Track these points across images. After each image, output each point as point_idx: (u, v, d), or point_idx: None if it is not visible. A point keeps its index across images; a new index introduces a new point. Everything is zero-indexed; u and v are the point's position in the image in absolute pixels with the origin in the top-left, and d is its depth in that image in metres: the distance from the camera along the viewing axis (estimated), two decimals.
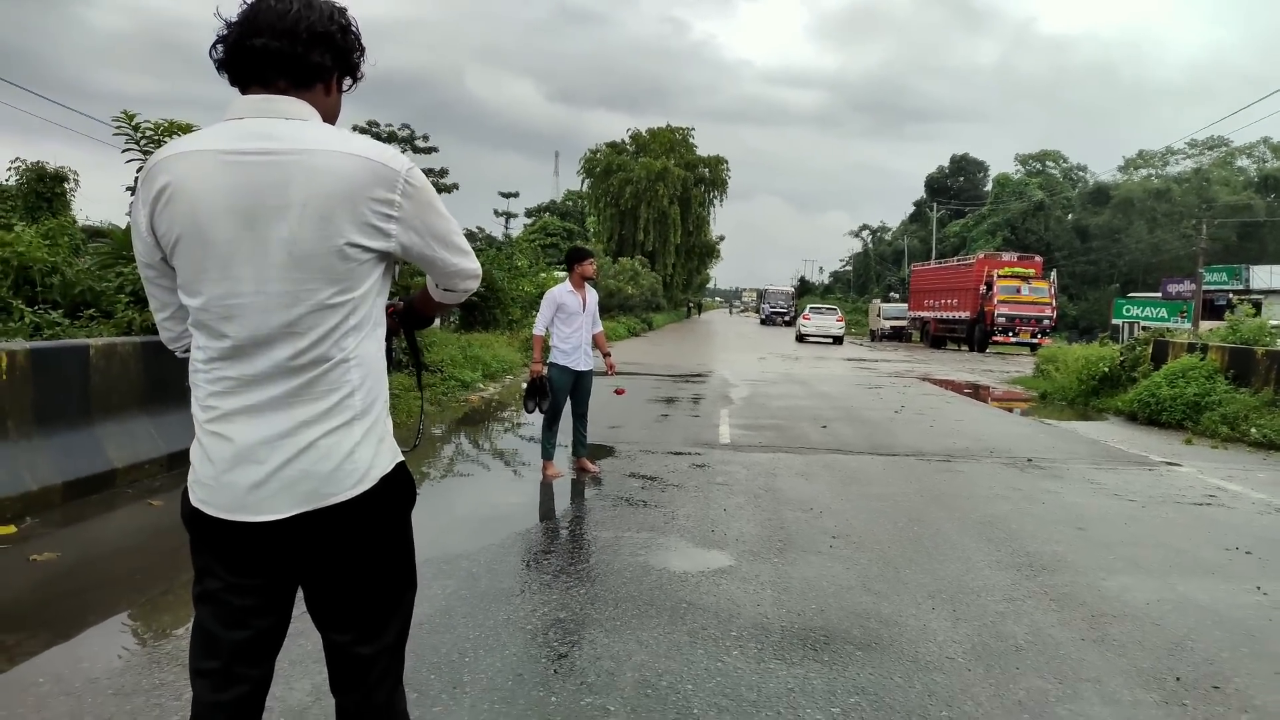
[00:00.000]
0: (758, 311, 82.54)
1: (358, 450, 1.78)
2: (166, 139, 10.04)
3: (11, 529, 5.28)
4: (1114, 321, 38.86)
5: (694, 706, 3.29)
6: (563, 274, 8.95)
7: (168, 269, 1.80)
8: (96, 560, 5.02)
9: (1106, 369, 14.97)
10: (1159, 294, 48.92)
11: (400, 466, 1.87)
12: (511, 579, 4.76)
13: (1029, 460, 9.00)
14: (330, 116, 1.85)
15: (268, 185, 1.69)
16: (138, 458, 6.65)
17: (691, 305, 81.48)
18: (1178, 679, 3.67)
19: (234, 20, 1.78)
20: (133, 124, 9.93)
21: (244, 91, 1.79)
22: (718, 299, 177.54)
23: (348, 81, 1.93)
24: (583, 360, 7.25)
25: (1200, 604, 4.63)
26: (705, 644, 3.89)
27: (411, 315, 2.20)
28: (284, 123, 1.74)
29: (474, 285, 2.02)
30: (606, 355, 7.74)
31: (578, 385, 7.34)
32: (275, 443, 1.73)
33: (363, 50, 1.91)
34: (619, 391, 8.45)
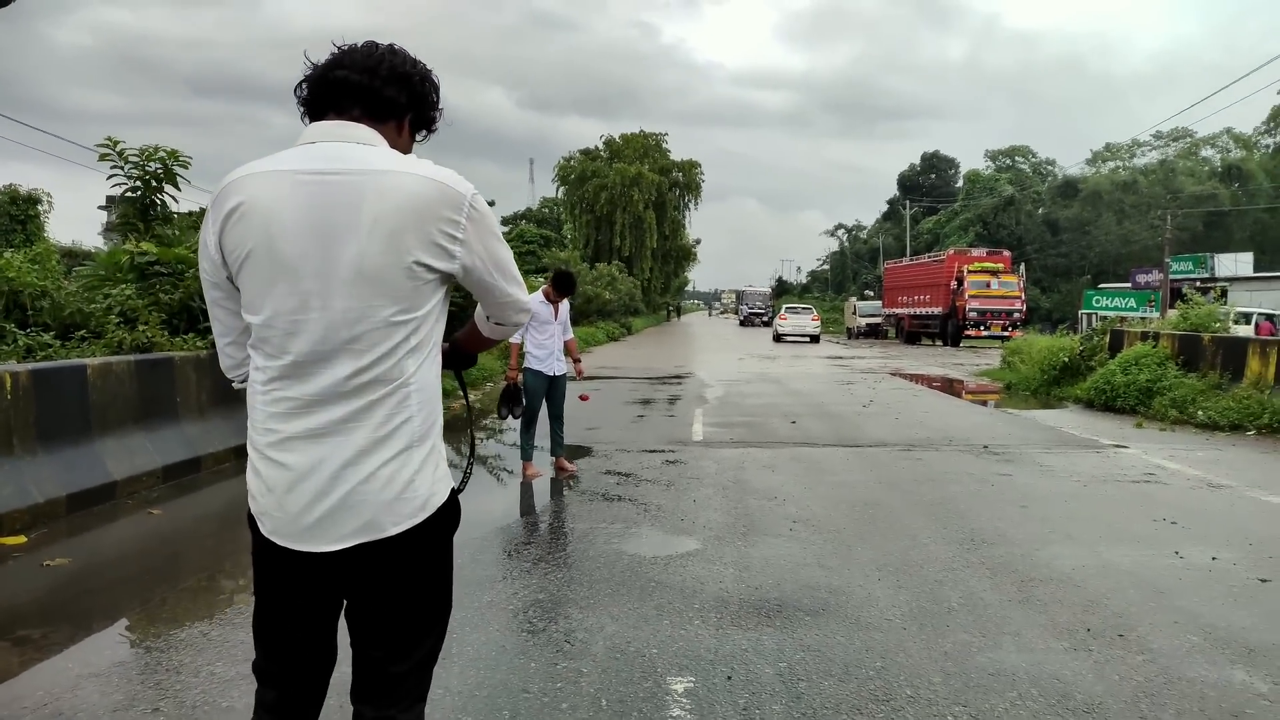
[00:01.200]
0: (737, 313, 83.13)
1: (417, 479, 1.83)
2: (150, 164, 10.39)
3: (22, 539, 5.62)
4: (1082, 312, 39.71)
5: (658, 666, 3.71)
6: (542, 282, 9.32)
7: (233, 289, 1.86)
8: (104, 565, 5.37)
9: (1066, 359, 15.53)
10: (1129, 284, 49.86)
11: (453, 492, 1.96)
12: (494, 567, 5.16)
13: (985, 447, 9.48)
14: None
15: (340, 204, 1.76)
16: (136, 470, 6.99)
17: (671, 308, 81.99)
18: (1088, 630, 4.12)
19: (322, 61, 1.92)
20: (117, 149, 10.26)
21: (319, 118, 1.90)
22: (698, 302, 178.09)
23: (422, 133, 2.04)
24: (556, 365, 7.67)
25: (1121, 568, 5.09)
26: (670, 616, 4.30)
27: (458, 355, 2.25)
28: (355, 146, 1.82)
29: (523, 319, 2.09)
30: (576, 361, 8.17)
31: (552, 389, 7.74)
32: (337, 473, 1.77)
33: (439, 105, 2.03)
34: (583, 398, 8.85)
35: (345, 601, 1.91)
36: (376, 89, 1.89)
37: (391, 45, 1.97)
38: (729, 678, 3.59)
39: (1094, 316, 22.37)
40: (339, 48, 1.93)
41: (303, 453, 1.78)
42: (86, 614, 4.42)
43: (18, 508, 5.83)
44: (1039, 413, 13.13)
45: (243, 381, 1.95)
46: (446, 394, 8.84)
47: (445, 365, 2.16)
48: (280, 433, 1.80)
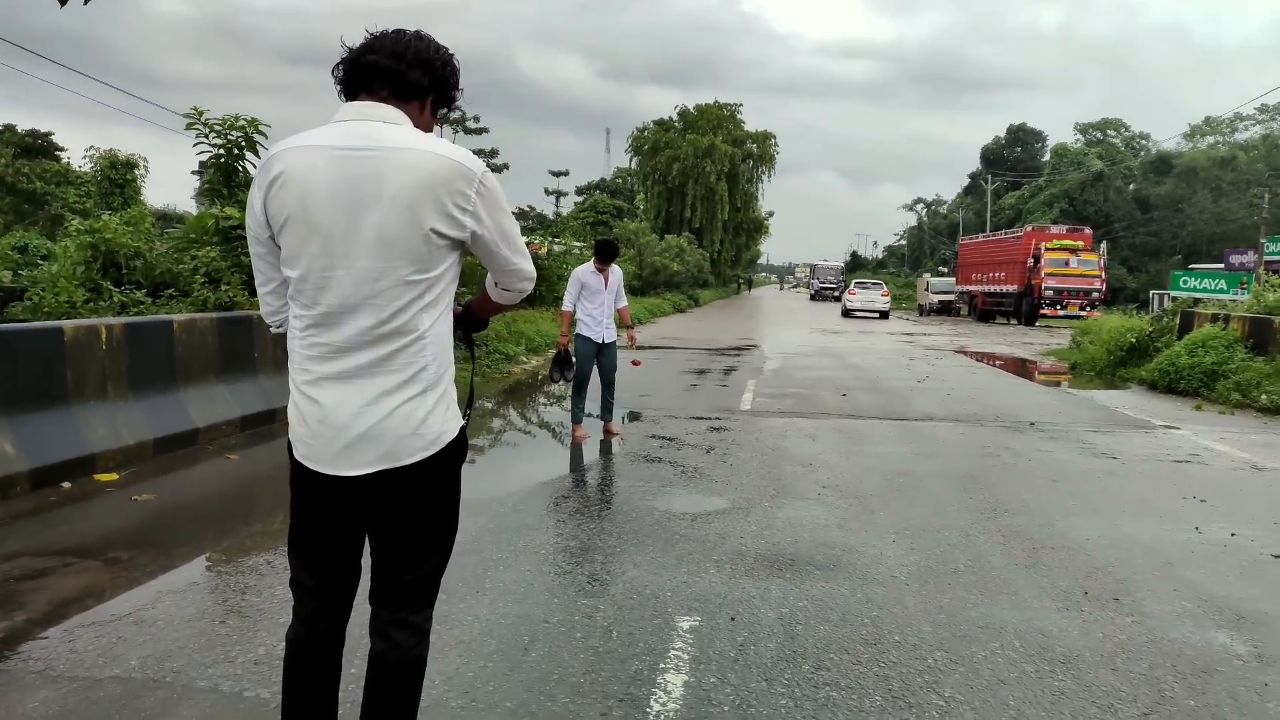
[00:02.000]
0: (809, 287, 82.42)
1: (430, 417, 2.11)
2: (233, 132, 11.01)
3: (115, 476, 6.22)
4: (1154, 293, 38.31)
5: (669, 606, 4.04)
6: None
7: (274, 246, 2.15)
8: (185, 502, 5.94)
9: (1134, 340, 15.24)
10: (1221, 265, 47.90)
11: (462, 430, 2.23)
12: (533, 517, 5.55)
13: (1031, 424, 9.52)
14: (423, 131, 2.18)
15: (365, 177, 2.02)
16: (216, 419, 7.59)
17: (742, 281, 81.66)
18: (1085, 593, 4.31)
19: (356, 45, 2.17)
20: (202, 119, 10.90)
21: (351, 98, 2.15)
22: (771, 275, 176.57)
23: (443, 111, 2.30)
24: (606, 333, 7.99)
25: (1135, 539, 5.23)
26: (688, 564, 4.63)
27: (469, 319, 2.53)
28: (382, 125, 2.08)
29: (528, 287, 2.34)
30: (629, 328, 8.48)
31: (602, 355, 8.08)
32: (361, 410, 2.06)
33: (459, 86, 2.29)
34: (635, 363, 9.16)
35: (367, 525, 2.20)
36: (403, 72, 2.14)
37: (418, 32, 2.25)
38: (732, 619, 3.91)
39: (1165, 297, 21.74)
40: (370, 34, 2.21)
41: (333, 391, 2.08)
42: (168, 542, 4.96)
43: (111, 448, 6.44)
44: (1098, 393, 13.00)
45: (279, 327, 2.28)
46: (508, 360, 9.40)
47: (456, 327, 2.46)
48: (314, 373, 2.11)
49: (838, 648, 3.62)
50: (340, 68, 2.20)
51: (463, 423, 2.28)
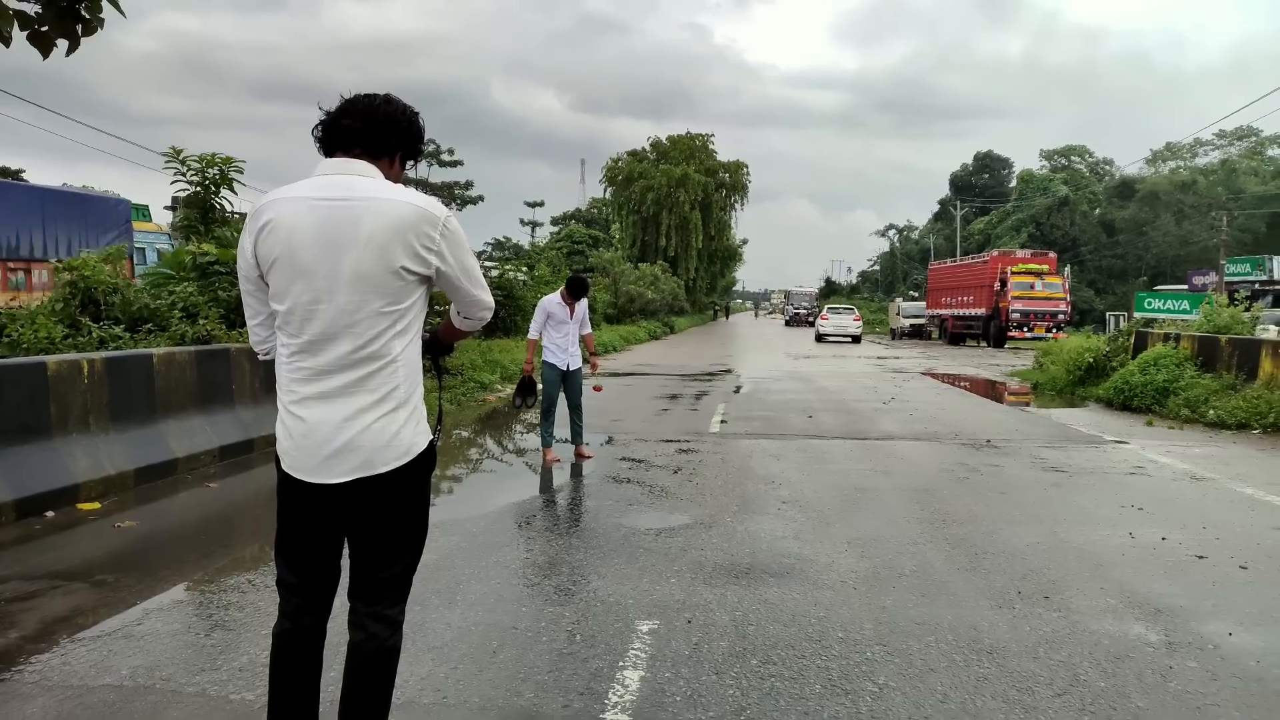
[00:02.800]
0: (784, 313, 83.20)
1: (402, 431, 2.41)
2: (210, 170, 11.27)
3: (97, 505, 6.41)
4: (1109, 314, 39.22)
5: (630, 612, 4.31)
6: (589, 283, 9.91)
7: (263, 284, 2.45)
8: (166, 528, 6.14)
9: (1091, 359, 15.75)
10: (1185, 286, 49.01)
11: (431, 444, 2.53)
12: (504, 535, 5.80)
13: (987, 441, 9.89)
14: (393, 182, 2.49)
15: (344, 222, 2.33)
16: (195, 449, 7.79)
17: (719, 308, 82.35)
18: (1019, 593, 4.62)
19: (333, 109, 2.50)
20: (180, 158, 11.17)
21: (329, 155, 2.46)
22: (747, 302, 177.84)
23: (410, 163, 2.65)
24: (571, 360, 8.30)
25: (1071, 545, 5.56)
26: (650, 575, 4.90)
27: (437, 344, 2.87)
28: (357, 178, 2.40)
29: (487, 316, 2.65)
30: (592, 354, 8.79)
31: (567, 381, 8.37)
32: (341, 424, 2.35)
33: (423, 140, 2.63)
34: (597, 389, 9.46)
35: (346, 528, 2.49)
36: (374, 134, 2.48)
37: (388, 96, 2.59)
38: (689, 621, 4.18)
39: (1121, 318, 22.33)
40: (344, 99, 2.54)
41: (316, 409, 2.38)
42: (152, 565, 5.16)
43: (93, 478, 6.63)
44: (1056, 411, 13.43)
45: (266, 355, 2.59)
46: (483, 388, 9.75)
47: (425, 351, 2.81)
48: (299, 393, 2.41)
49: (785, 645, 3.91)
50: (319, 129, 2.52)
51: (431, 437, 2.57)
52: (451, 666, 3.65)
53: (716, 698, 3.38)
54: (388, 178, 2.50)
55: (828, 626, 4.12)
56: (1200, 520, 6.26)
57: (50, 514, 6.07)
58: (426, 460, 2.53)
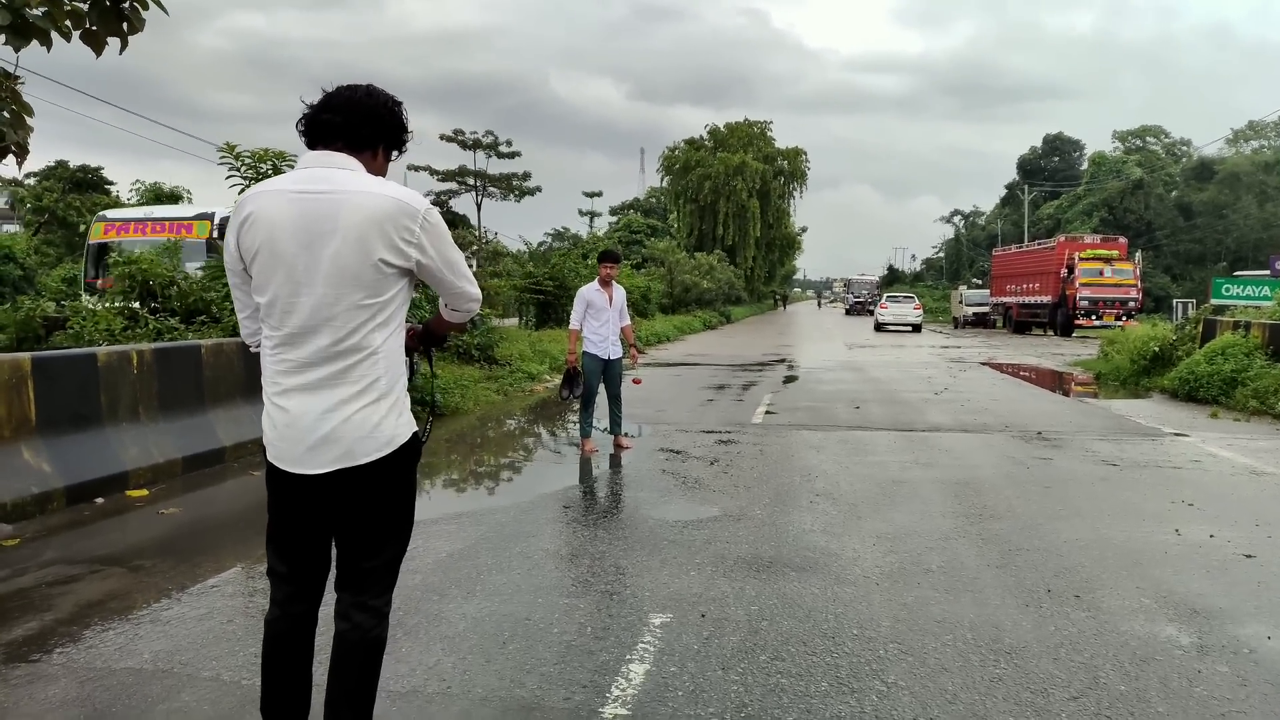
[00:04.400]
0: (844, 302, 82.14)
1: (384, 422, 2.42)
2: (262, 164, 11.52)
3: (145, 492, 6.63)
4: (1211, 300, 37.77)
5: (644, 604, 4.29)
6: (641, 274, 9.88)
7: (248, 276, 2.48)
8: (209, 516, 6.31)
9: (1157, 349, 15.19)
10: (1267, 271, 47.00)
11: (414, 435, 2.52)
12: (532, 525, 5.83)
13: (1038, 433, 9.62)
14: (377, 175, 2.51)
15: (322, 215, 2.34)
16: (242, 438, 7.99)
17: (778, 297, 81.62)
18: (1048, 591, 4.48)
19: (315, 102, 2.50)
20: (234, 153, 11.43)
21: (312, 149, 2.48)
22: (808, 291, 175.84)
23: (395, 154, 2.62)
24: (611, 350, 8.29)
25: (1112, 541, 5.36)
26: (670, 567, 4.87)
27: (428, 336, 2.85)
28: (338, 172, 2.40)
29: (475, 308, 2.66)
30: (632, 345, 8.76)
31: (607, 371, 8.37)
32: (323, 415, 2.37)
33: (407, 130, 2.60)
34: (636, 381, 9.40)
35: (331, 518, 2.50)
36: (354, 127, 2.49)
37: (369, 88, 2.58)
38: (703, 615, 4.15)
39: (1189, 305, 21.50)
40: (326, 93, 2.55)
41: (298, 400, 2.41)
42: (190, 552, 5.31)
43: (142, 466, 6.85)
44: (1116, 402, 13.00)
45: (256, 347, 2.62)
46: (531, 378, 9.89)
47: (418, 343, 2.84)
48: (282, 385, 2.44)
49: (797, 640, 3.85)
50: (302, 123, 2.53)
51: (415, 428, 2.57)
52: (460, 657, 3.68)
53: (719, 693, 3.34)
54: (371, 170, 2.51)
55: (843, 623, 4.05)
56: (1254, 517, 5.99)
57: (100, 500, 6.29)
58: (410, 451, 2.53)
